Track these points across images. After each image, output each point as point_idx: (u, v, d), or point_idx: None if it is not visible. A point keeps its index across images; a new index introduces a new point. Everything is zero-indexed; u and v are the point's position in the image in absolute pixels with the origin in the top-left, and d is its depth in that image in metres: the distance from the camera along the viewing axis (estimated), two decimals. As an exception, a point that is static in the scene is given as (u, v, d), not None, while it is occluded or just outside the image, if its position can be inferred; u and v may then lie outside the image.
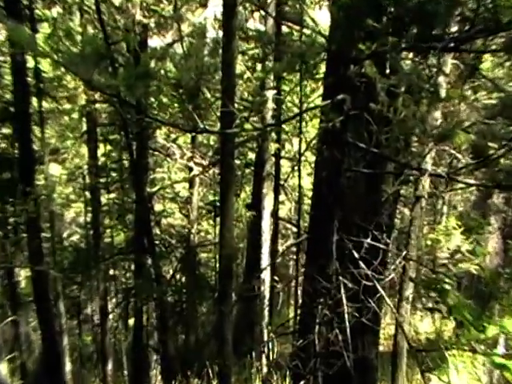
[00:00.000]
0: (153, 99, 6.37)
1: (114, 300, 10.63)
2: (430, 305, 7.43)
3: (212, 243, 10.42)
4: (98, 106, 8.54)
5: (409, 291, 6.16)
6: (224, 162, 4.32)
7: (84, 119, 9.27)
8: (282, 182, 8.45)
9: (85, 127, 9.47)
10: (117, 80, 2.17)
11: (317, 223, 3.20)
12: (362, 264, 2.77)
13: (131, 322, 10.03)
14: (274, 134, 7.04)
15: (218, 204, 9.61)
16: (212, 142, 9.20)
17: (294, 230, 11.14)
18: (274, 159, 7.69)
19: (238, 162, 9.19)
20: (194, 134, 7.54)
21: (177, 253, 9.35)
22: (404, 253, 3.33)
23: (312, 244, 3.26)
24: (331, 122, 2.48)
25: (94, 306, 10.16)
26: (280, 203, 9.55)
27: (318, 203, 3.20)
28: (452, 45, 2.40)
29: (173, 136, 8.08)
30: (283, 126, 7.40)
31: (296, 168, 7.53)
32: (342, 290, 2.76)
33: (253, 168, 8.89)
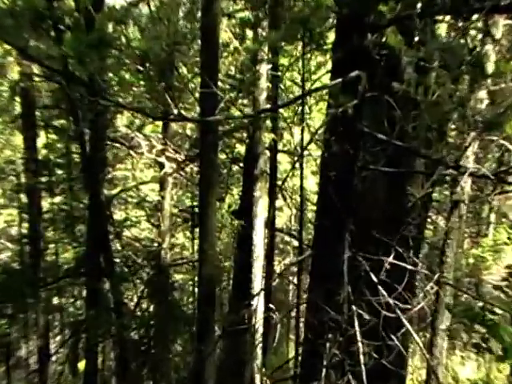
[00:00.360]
0: (111, 75, 6.34)
1: (58, 338, 10.54)
2: (475, 343, 7.47)
3: (189, 261, 10.40)
4: (36, 82, 8.49)
5: (444, 324, 6.23)
6: (204, 158, 4.34)
7: (17, 99, 9.21)
8: (279, 183, 8.48)
9: (19, 109, 9.41)
10: (62, 48, 2.17)
11: (324, 236, 3.24)
12: (381, 289, 2.81)
13: (81, 365, 9.95)
14: (268, 122, 7.07)
15: (196, 211, 9.62)
16: (189, 132, 9.22)
17: (295, 243, 11.19)
18: (268, 154, 7.71)
19: (222, 156, 9.21)
20: (165, 121, 7.55)
21: (143, 274, 9.32)
22: (437, 274, 3.37)
23: (317, 263, 3.30)
24: (342, 106, 2.52)
25: (31, 346, 10.06)
26: (277, 210, 9.59)
27: (324, 210, 3.25)
28: (506, 3, 2.29)
29: (138, 123, 8.07)
30: (281, 111, 7.44)
31: (297, 165, 7.57)
32: (356, 324, 2.79)
33: (242, 165, 8.90)
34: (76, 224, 9.45)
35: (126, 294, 9.48)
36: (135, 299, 9.31)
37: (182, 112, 2.56)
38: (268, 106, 6.54)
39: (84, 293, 9.55)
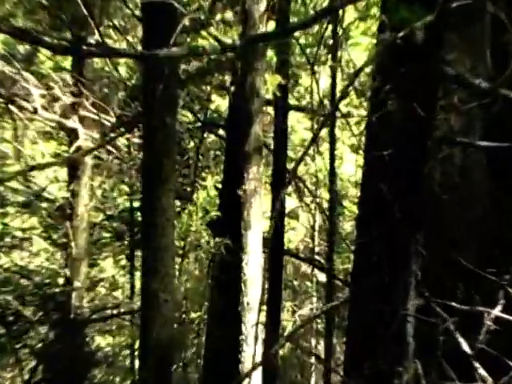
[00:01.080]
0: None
1: None
2: None
3: (124, 313, 10.41)
4: None
5: None
6: (152, 122, 4.33)
7: None
8: (290, 167, 8.51)
9: None
10: None
11: (370, 266, 3.24)
12: (479, 367, 2.81)
13: None
14: (271, 55, 7.08)
15: (139, 219, 9.61)
16: (124, 73, 9.19)
17: (321, 278, 11.24)
18: (272, 113, 7.74)
19: (186, 118, 9.21)
20: (78, 56, 7.50)
21: (36, 337, 9.32)
22: None
23: (359, 315, 3.31)
24: (405, 27, 2.51)
25: None
26: (287, 216, 9.60)
27: (372, 218, 3.24)
28: None
29: (25, 54, 8.02)
30: (295, 35, 7.43)
31: (324, 134, 7.58)
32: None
33: (223, 134, 8.92)
34: None
35: (1, 374, 9.51)
36: (20, 384, 9.35)
37: (111, 38, 2.53)
38: (270, 27, 6.54)
39: None
